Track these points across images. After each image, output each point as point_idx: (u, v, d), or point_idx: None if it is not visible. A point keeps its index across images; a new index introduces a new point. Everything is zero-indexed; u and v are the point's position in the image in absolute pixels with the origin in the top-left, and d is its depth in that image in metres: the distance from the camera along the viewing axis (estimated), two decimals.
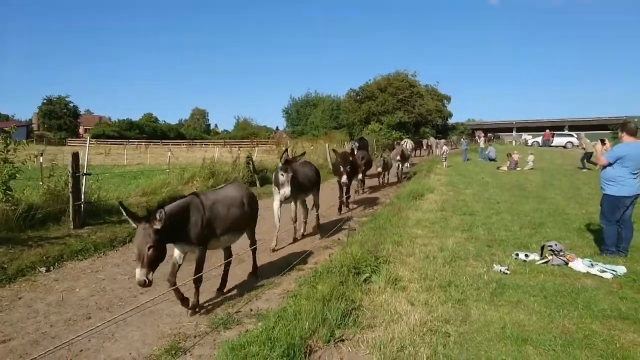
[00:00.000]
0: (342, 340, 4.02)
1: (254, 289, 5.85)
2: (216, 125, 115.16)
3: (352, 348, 3.90)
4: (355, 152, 13.18)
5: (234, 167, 16.00)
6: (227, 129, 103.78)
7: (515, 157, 22.39)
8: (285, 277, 6.26)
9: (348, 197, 12.16)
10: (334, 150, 13.00)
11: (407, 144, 24.31)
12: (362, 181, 15.07)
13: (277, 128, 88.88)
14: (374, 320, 4.44)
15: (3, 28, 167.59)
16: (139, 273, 4.22)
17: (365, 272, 5.58)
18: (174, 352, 4.11)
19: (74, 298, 5.55)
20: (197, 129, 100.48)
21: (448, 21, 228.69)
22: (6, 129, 8.23)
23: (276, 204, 7.96)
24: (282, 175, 7.41)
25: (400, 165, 18.95)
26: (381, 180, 17.28)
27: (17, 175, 7.91)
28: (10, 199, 7.69)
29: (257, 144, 39.82)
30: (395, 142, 22.80)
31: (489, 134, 44.19)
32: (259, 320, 4.71)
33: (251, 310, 5.11)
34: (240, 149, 23.19)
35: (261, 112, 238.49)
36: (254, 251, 6.39)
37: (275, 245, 7.85)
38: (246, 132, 79.49)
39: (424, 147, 37.38)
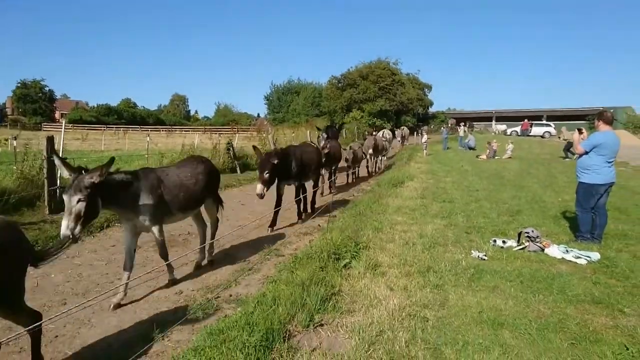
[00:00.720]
0: (322, 325, 4.02)
1: (233, 274, 5.82)
2: (196, 112, 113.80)
3: (331, 332, 3.91)
4: (323, 144, 11.66)
5: (214, 153, 15.86)
6: (208, 116, 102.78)
7: (494, 145, 22.66)
8: (265, 263, 6.25)
9: (302, 204, 9.22)
10: (254, 147, 8.43)
11: (385, 133, 21.53)
12: (331, 180, 12.51)
13: (258, 115, 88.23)
14: (354, 305, 4.46)
15: None
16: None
17: (345, 257, 5.60)
18: (151, 337, 4.07)
19: (48, 284, 5.44)
20: (177, 115, 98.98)
21: (429, 10, 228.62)
22: None
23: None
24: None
25: (374, 158, 17.13)
26: (350, 175, 14.81)
27: None
28: None
29: (237, 131, 39.50)
30: (367, 132, 20.67)
31: (463, 123, 44.10)
32: (238, 305, 4.68)
33: (230, 295, 5.08)
34: (221, 135, 22.94)
35: (242, 99, 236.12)
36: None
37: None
38: (227, 119, 78.70)
39: (398, 137, 32.31)
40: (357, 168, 15.17)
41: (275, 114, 64.33)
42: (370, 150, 15.70)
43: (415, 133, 36.36)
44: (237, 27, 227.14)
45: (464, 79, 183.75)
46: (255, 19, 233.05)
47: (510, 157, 21.95)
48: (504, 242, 6.55)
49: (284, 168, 8.04)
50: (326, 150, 10.80)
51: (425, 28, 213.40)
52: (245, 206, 10.21)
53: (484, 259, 5.88)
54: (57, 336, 4.15)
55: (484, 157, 22.13)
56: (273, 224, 8.20)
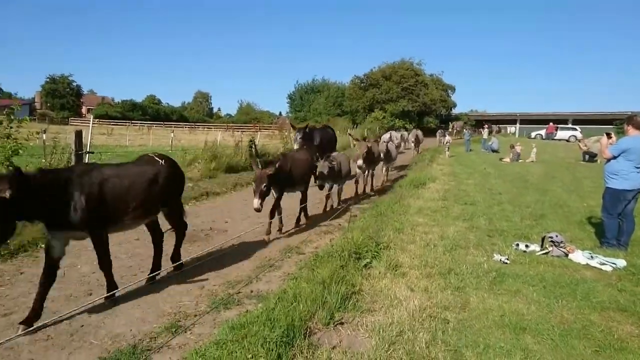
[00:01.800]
0: (342, 323, 4.05)
1: (254, 271, 5.87)
2: (219, 109, 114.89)
3: (351, 331, 3.93)
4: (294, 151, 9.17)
5: (236, 150, 15.98)
6: (230, 113, 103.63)
7: (518, 148, 22.35)
8: (286, 261, 6.30)
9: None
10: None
11: (393, 136, 16.39)
12: (302, 208, 8.64)
13: (280, 113, 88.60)
14: (374, 304, 4.47)
15: (7, 5, 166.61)
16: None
17: (366, 257, 5.61)
18: (174, 330, 4.14)
19: (75, 274, 5.57)
20: (200, 112, 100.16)
21: (454, 11, 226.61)
22: (11, 106, 8.21)
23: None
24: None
25: (368, 171, 11.88)
26: (325, 201, 9.84)
27: (20, 151, 7.90)
28: None
29: (259, 129, 39.76)
30: (360, 137, 12.79)
31: (492, 126, 43.05)
32: (259, 301, 4.74)
33: (251, 291, 5.14)
34: (243, 133, 23.14)
35: (265, 97, 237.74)
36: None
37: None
38: (249, 117, 79.22)
39: (411, 139, 25.52)
40: (339, 186, 9.89)
41: (297, 112, 64.47)
42: (360, 162, 10.54)
43: (437, 134, 35.48)
44: (261, 25, 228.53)
45: (488, 80, 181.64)
46: (280, 18, 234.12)
47: (534, 161, 21.62)
48: (526, 246, 6.47)
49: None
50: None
51: (450, 29, 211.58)
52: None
53: (506, 263, 5.82)
54: (82, 325, 4.25)
55: (507, 160, 21.84)
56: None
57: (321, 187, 8.55)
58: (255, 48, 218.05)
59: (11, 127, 7.80)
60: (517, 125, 58.32)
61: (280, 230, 7.82)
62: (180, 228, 5.88)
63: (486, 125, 36.99)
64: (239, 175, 14.18)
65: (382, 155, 12.60)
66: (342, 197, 10.52)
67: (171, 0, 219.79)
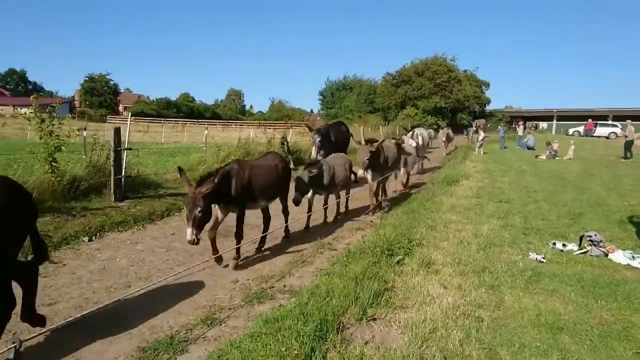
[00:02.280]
0: (374, 319, 4.06)
1: (287, 266, 5.94)
2: (251, 106, 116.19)
3: (384, 327, 3.94)
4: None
5: (268, 147, 16.13)
6: (262, 110, 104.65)
7: (555, 145, 21.76)
8: (318, 256, 6.34)
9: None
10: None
11: (417, 135, 14.62)
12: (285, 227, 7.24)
13: (311, 110, 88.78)
14: (407, 301, 4.46)
15: (48, 6, 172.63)
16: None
17: (399, 254, 5.59)
18: (209, 322, 4.24)
19: (114, 267, 5.75)
20: (233, 110, 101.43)
21: (491, 6, 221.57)
22: (52, 104, 8.52)
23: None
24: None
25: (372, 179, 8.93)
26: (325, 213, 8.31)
27: (62, 148, 8.20)
28: (55, 170, 7.99)
29: (291, 126, 39.91)
30: (366, 142, 9.21)
31: (522, 122, 41.67)
32: (292, 296, 4.79)
33: (284, 286, 5.20)
34: (275, 130, 23.28)
35: (296, 95, 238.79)
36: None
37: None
38: (280, 114, 79.66)
39: (442, 138, 23.82)
40: (332, 193, 8.19)
41: (328, 109, 64.44)
42: (361, 171, 8.79)
43: (466, 131, 34.65)
44: (293, 23, 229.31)
45: (524, 76, 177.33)
46: (311, 15, 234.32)
47: (571, 158, 21.01)
48: (564, 245, 6.32)
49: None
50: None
51: (485, 24, 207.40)
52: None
53: (542, 262, 5.71)
54: (122, 316, 4.38)
55: (543, 157, 21.28)
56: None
57: (296, 202, 6.90)
58: (287, 46, 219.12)
59: (53, 125, 8.10)
60: (554, 122, 56.82)
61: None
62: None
63: (521, 122, 35.94)
64: None
65: (393, 159, 9.92)
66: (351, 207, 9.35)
67: (202, 2, 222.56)
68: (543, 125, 50.19)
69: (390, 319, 4.08)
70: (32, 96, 8.33)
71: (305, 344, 3.34)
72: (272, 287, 5.16)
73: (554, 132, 50.41)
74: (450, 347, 3.53)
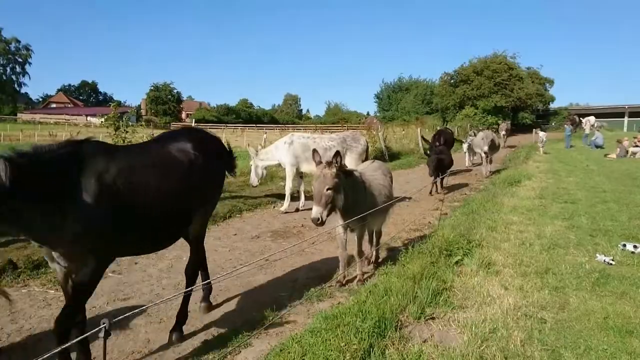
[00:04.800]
0: (433, 318, 4.07)
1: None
2: (308, 111, 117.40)
3: (442, 326, 3.94)
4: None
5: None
6: (319, 114, 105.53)
7: (626, 143, 20.57)
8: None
9: None
10: None
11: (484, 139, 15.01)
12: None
13: (367, 113, 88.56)
14: (466, 301, 4.43)
15: (115, 24, 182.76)
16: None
17: (457, 254, 5.54)
18: (271, 318, 4.39)
19: (181, 266, 6.03)
20: (290, 114, 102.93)
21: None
22: (127, 112, 9.10)
23: None
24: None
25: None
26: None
27: None
28: None
29: (347, 129, 40.03)
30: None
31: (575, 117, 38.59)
32: (350, 294, 4.87)
33: (342, 285, 5.30)
34: (331, 133, 23.46)
35: (352, 98, 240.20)
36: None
37: None
38: (337, 117, 79.94)
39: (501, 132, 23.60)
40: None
41: (384, 112, 63.95)
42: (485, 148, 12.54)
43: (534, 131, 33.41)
44: (348, 25, 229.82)
45: (591, 72, 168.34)
46: (365, 17, 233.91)
47: None
48: (635, 247, 6.02)
49: None
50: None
51: (548, 19, 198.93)
52: None
53: (611, 264, 5.47)
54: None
55: (613, 156, 20.19)
56: None
57: None
58: (343, 49, 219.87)
59: (127, 132, 8.64)
60: (626, 118, 53.59)
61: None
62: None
63: (569, 120, 34.23)
64: None
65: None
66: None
67: (260, 8, 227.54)
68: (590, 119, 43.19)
69: (449, 318, 4.07)
70: (112, 105, 8.93)
71: (364, 340, 3.41)
72: (331, 285, 5.27)
73: (625, 129, 47.53)
74: (511, 347, 3.49)
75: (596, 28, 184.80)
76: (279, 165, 10.02)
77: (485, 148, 14.87)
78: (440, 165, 11.64)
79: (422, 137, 12.34)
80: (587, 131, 29.41)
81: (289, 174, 9.59)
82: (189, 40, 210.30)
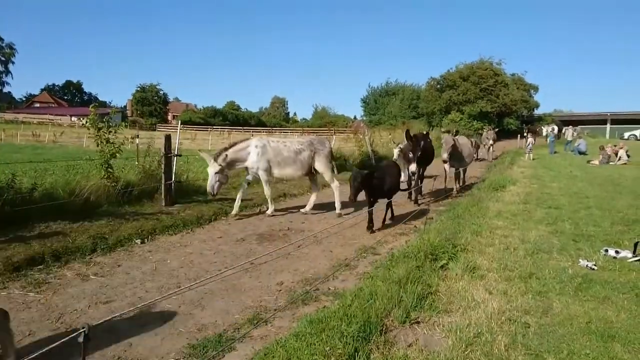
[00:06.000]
0: (418, 322, 4.07)
1: (330, 269, 6.01)
2: (295, 114, 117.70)
3: (427, 330, 3.94)
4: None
5: None
6: (306, 118, 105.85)
7: (609, 150, 20.90)
8: (361, 260, 6.38)
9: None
10: None
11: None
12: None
13: (354, 117, 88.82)
14: (451, 305, 4.44)
15: (101, 24, 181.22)
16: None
17: (442, 258, 5.56)
18: (255, 322, 4.36)
19: (165, 268, 5.99)
20: (277, 117, 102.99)
21: (539, 7, 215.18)
22: (109, 113, 8.99)
23: None
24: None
25: None
26: None
27: (117, 154, 8.62)
28: (111, 176, 8.42)
29: (334, 133, 40.06)
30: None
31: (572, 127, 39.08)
32: (335, 298, 4.85)
33: (328, 288, 5.27)
34: (318, 136, 23.49)
35: (339, 101, 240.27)
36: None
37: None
38: (324, 121, 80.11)
39: (487, 141, 22.07)
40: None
41: (371, 116, 64.16)
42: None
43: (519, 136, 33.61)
44: (334, 30, 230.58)
45: (575, 79, 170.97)
46: (352, 21, 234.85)
47: (626, 163, 20.14)
48: (617, 252, 6.10)
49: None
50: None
51: (533, 26, 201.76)
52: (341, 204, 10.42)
53: (594, 269, 5.53)
54: (173, 315, 4.57)
55: (595, 162, 20.51)
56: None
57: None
58: (330, 52, 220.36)
59: (110, 133, 8.53)
60: (608, 126, 54.50)
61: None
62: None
63: (570, 127, 34.49)
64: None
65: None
66: None
67: (248, 11, 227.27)
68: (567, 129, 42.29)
69: (434, 322, 4.08)
70: (90, 106, 8.82)
71: (349, 344, 3.39)
72: (316, 289, 5.24)
73: (607, 136, 48.31)
74: (495, 351, 3.50)
75: (580, 35, 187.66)
76: (245, 169, 9.33)
77: (445, 156, 11.21)
78: (371, 187, 7.77)
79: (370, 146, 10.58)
80: (570, 138, 29.83)
81: (264, 179, 9.15)
82: (176, 41, 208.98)
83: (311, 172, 9.68)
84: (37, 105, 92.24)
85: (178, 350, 3.88)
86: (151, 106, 79.24)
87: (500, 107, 45.61)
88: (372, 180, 7.67)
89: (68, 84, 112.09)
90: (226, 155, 8.85)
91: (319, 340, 3.46)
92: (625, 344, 3.68)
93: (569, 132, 31.12)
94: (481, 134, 27.31)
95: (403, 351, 3.51)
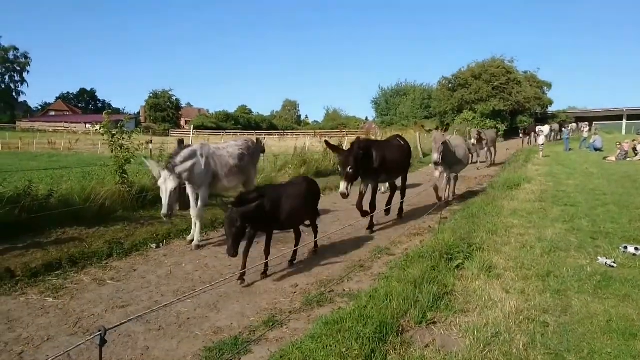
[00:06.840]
0: (434, 323, 4.04)
1: (345, 270, 5.99)
2: (306, 116, 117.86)
3: (444, 330, 3.91)
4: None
5: (324, 155, 16.28)
6: (317, 120, 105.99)
7: (626, 146, 20.55)
8: (376, 261, 6.36)
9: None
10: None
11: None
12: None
13: (366, 118, 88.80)
14: (467, 305, 4.40)
15: (114, 32, 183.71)
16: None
17: (458, 258, 5.52)
18: (271, 324, 4.36)
19: (180, 272, 6.02)
20: (289, 120, 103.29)
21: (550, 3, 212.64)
22: (122, 120, 9.07)
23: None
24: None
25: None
26: None
27: (131, 160, 8.70)
28: (125, 181, 8.49)
29: (346, 134, 40.02)
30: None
31: (587, 123, 38.37)
32: (350, 299, 4.83)
33: (343, 290, 5.26)
34: (330, 138, 23.53)
35: (351, 103, 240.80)
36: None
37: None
38: (335, 123, 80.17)
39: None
40: None
41: (383, 117, 63.97)
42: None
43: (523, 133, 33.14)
44: (345, 32, 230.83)
45: (589, 75, 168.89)
46: (363, 22, 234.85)
47: None
48: (636, 249, 5.99)
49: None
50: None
51: (546, 22, 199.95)
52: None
53: (613, 266, 5.44)
54: (188, 318, 4.60)
55: (612, 158, 20.17)
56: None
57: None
58: (341, 54, 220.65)
59: (124, 139, 8.61)
60: (624, 121, 53.69)
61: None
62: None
63: (586, 123, 34.03)
64: (328, 179, 14.42)
65: None
66: None
67: (259, 15, 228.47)
68: (573, 125, 40.72)
69: (451, 322, 4.05)
70: (104, 112, 8.91)
71: (365, 345, 3.38)
72: (332, 291, 5.23)
73: (623, 132, 47.58)
74: (514, 351, 3.46)
75: (594, 31, 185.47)
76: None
77: (435, 157, 9.69)
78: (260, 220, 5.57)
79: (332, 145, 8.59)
80: (585, 135, 29.44)
81: (205, 195, 7.34)
82: (188, 47, 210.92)
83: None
84: (53, 113, 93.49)
85: (194, 354, 3.90)
86: (164, 112, 79.83)
87: (513, 105, 45.20)
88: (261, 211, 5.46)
89: (82, 91, 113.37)
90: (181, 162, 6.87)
91: (334, 341, 3.45)
92: None
93: (584, 129, 30.68)
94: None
95: (420, 352, 3.49)
